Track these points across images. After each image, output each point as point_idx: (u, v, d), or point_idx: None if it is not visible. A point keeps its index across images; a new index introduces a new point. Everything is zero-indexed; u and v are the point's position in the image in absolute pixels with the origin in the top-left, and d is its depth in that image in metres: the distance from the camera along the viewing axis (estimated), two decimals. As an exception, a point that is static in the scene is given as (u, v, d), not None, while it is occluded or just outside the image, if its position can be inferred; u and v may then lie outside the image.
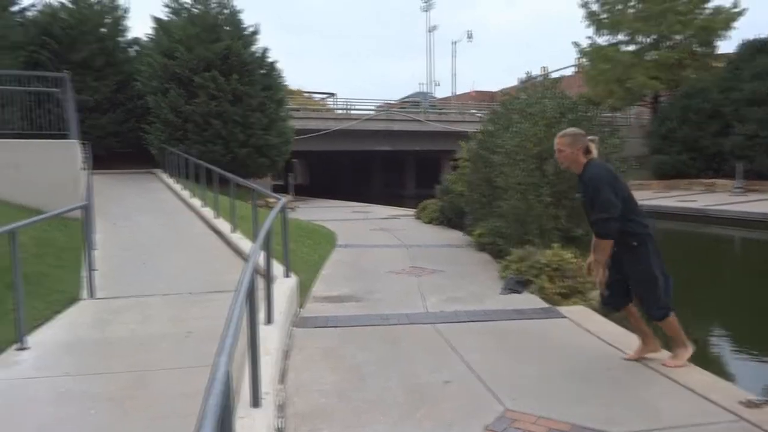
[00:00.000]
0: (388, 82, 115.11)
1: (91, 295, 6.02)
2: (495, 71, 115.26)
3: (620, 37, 30.26)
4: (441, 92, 62.03)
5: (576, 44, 31.71)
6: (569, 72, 38.78)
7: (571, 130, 4.30)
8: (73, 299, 5.87)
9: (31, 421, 3.34)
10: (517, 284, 6.78)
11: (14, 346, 4.48)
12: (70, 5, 19.59)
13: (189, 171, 13.57)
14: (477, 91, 53.46)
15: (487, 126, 10.73)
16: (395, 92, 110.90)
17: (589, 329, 5.23)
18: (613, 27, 29.99)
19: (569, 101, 8.90)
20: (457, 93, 52.59)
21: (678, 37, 28.65)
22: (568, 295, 6.44)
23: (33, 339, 4.64)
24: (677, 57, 28.06)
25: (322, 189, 39.47)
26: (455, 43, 70.52)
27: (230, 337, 2.05)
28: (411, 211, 17.90)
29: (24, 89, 12.57)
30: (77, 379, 3.97)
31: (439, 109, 39.93)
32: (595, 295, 7.16)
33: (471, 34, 56.61)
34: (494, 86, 79.01)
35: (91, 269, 6.19)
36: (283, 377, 4.22)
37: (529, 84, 13.34)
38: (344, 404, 3.77)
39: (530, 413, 3.54)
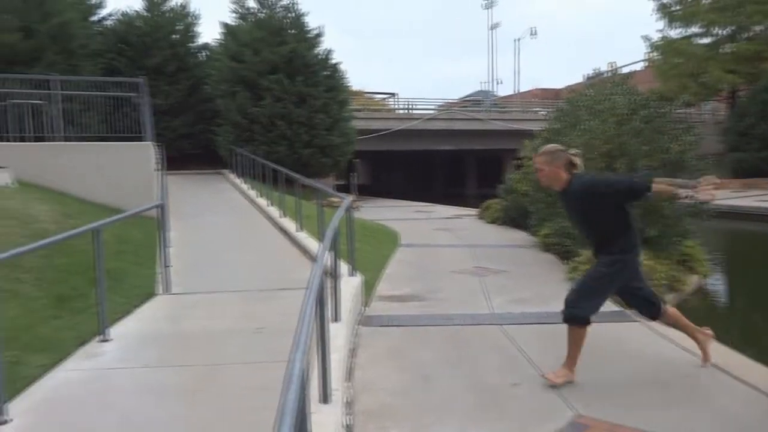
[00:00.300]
0: (449, 81, 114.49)
1: (167, 290, 6.28)
2: (559, 68, 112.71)
3: (694, 29, 28.95)
4: (503, 90, 61.17)
5: (646, 38, 30.59)
6: (638, 67, 37.40)
7: (548, 147, 4.09)
8: (150, 294, 6.14)
9: (116, 409, 3.52)
10: (585, 286, 6.58)
11: (97, 338, 4.72)
12: (145, 13, 20.53)
13: (255, 171, 13.95)
14: (540, 89, 52.39)
15: (553, 124, 10.48)
16: (456, 91, 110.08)
17: (665, 333, 5.02)
18: (686, 19, 28.71)
19: (641, 97, 8.58)
20: (520, 91, 51.71)
21: (757, 27, 27.13)
22: (640, 299, 6.19)
23: (115, 331, 4.88)
24: (756, 49, 26.56)
25: (384, 189, 39.71)
26: (518, 40, 69.46)
27: (304, 334, 2.10)
28: (473, 211, 17.72)
29: (104, 94, 13.29)
30: (155, 371, 4.15)
31: (502, 108, 39.34)
32: (669, 299, 6.88)
33: (535, 30, 55.36)
34: (558, 83, 77.21)
35: (166, 266, 6.45)
36: (350, 375, 4.27)
37: (596, 80, 12.94)
38: (410, 404, 3.78)
39: (603, 420, 3.44)
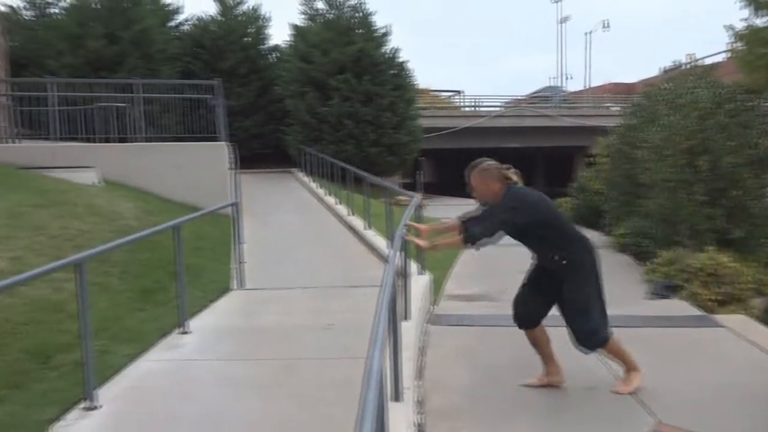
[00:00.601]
0: (516, 78, 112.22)
1: (241, 285, 6.48)
2: (632, 62, 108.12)
3: (784, 16, 27.11)
4: (573, 86, 59.31)
5: (729, 27, 28.85)
6: (719, 59, 35.40)
7: (480, 164, 3.89)
8: (225, 289, 6.36)
9: (196, 400, 3.66)
10: (666, 289, 6.32)
11: (177, 330, 4.91)
12: (219, 18, 21.24)
13: (324, 170, 14.18)
14: (612, 84, 50.50)
15: (629, 119, 10.11)
16: (523, 88, 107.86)
17: (752, 340, 4.74)
18: (775, 6, 26.94)
19: (726, 90, 8.13)
20: (591, 86, 50.06)
21: None
22: (724, 303, 5.90)
23: (193, 324, 5.07)
24: None
25: (450, 187, 39.43)
26: (589, 33, 67.30)
27: (381, 333, 2.11)
28: (542, 210, 17.32)
29: (181, 96, 13.86)
30: (232, 364, 4.29)
31: (571, 104, 38.27)
32: (756, 303, 6.50)
33: (607, 23, 53.36)
34: (631, 77, 74.24)
35: (240, 262, 6.66)
36: (420, 373, 4.27)
37: (675, 73, 12.38)
38: (482, 405, 3.74)
39: (686, 429, 3.28)
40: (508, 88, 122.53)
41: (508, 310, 6.11)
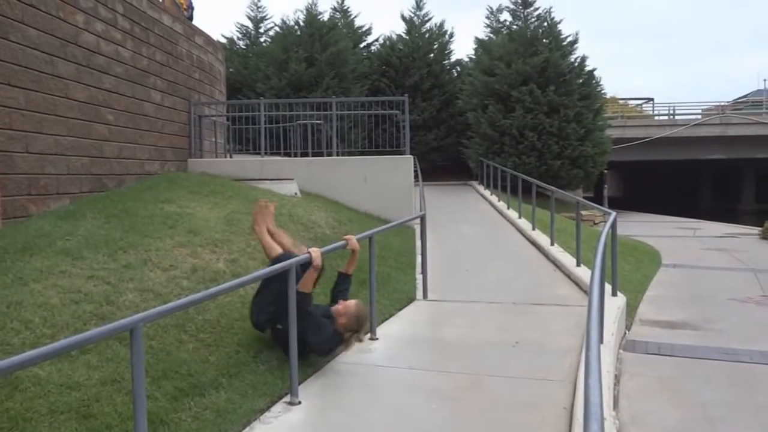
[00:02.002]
0: (718, 81, 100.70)
1: (425, 296, 6.60)
2: None
3: None
4: (793, 88, 51.25)
5: None
6: None
7: None
8: (410, 299, 6.51)
9: (387, 405, 3.78)
10: None
11: (367, 336, 5.13)
12: (405, 36, 22.10)
13: (503, 183, 13.97)
14: None
15: None
16: (727, 93, 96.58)
17: None
18: None
19: None
20: (820, 88, 43.19)
21: None
22: None
23: (381, 331, 5.27)
24: None
25: (637, 202, 36.63)
26: (815, 27, 58.06)
27: (594, 360, 2.00)
28: (753, 230, 15.43)
29: (368, 113, 14.65)
30: (419, 374, 4.36)
31: (792, 109, 33.34)
32: None
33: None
34: None
35: (424, 273, 6.79)
36: (615, 404, 3.98)
37: None
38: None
39: None
40: (707, 93, 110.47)
41: (718, 343, 5.50)
